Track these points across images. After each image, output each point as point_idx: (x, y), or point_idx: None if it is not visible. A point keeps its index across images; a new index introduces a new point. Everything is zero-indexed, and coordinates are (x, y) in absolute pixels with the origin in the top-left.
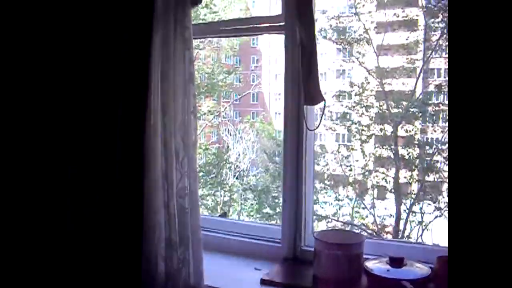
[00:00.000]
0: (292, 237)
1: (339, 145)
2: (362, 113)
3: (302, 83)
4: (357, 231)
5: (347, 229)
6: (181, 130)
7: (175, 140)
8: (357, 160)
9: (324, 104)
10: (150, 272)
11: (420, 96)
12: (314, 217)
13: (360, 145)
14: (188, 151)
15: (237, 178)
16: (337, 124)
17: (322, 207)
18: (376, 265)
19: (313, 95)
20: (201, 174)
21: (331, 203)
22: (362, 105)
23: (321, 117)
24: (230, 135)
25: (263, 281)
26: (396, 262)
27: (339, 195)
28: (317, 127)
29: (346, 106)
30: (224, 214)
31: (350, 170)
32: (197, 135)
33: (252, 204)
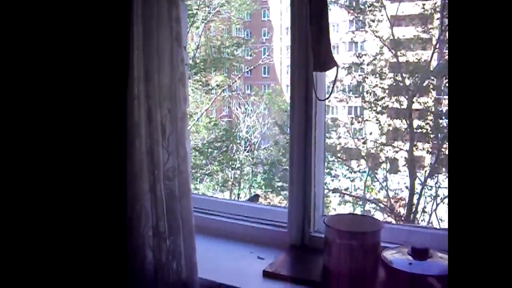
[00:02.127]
0: (299, 222)
1: (351, 118)
2: (376, 85)
3: (311, 46)
4: (369, 207)
5: (362, 213)
6: (167, 101)
7: (161, 113)
8: (370, 133)
9: (337, 70)
10: (137, 265)
11: (437, 67)
12: (326, 190)
13: (375, 116)
14: (176, 125)
15: (247, 152)
16: (349, 96)
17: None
18: (395, 257)
19: (324, 60)
20: (209, 150)
21: (345, 175)
22: (376, 76)
23: (333, 85)
24: (241, 108)
25: (265, 273)
26: (420, 253)
27: (352, 168)
28: (328, 97)
29: (360, 75)
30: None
31: (364, 143)
32: (188, 106)
33: (262, 176)
